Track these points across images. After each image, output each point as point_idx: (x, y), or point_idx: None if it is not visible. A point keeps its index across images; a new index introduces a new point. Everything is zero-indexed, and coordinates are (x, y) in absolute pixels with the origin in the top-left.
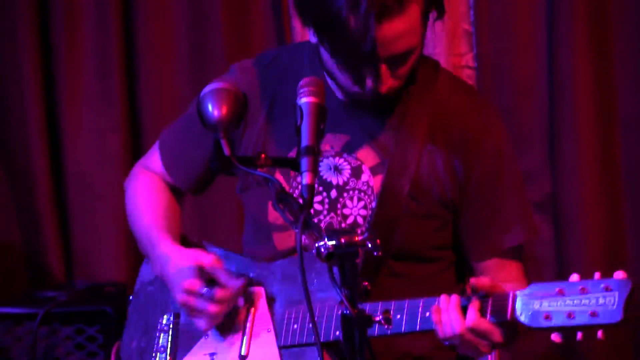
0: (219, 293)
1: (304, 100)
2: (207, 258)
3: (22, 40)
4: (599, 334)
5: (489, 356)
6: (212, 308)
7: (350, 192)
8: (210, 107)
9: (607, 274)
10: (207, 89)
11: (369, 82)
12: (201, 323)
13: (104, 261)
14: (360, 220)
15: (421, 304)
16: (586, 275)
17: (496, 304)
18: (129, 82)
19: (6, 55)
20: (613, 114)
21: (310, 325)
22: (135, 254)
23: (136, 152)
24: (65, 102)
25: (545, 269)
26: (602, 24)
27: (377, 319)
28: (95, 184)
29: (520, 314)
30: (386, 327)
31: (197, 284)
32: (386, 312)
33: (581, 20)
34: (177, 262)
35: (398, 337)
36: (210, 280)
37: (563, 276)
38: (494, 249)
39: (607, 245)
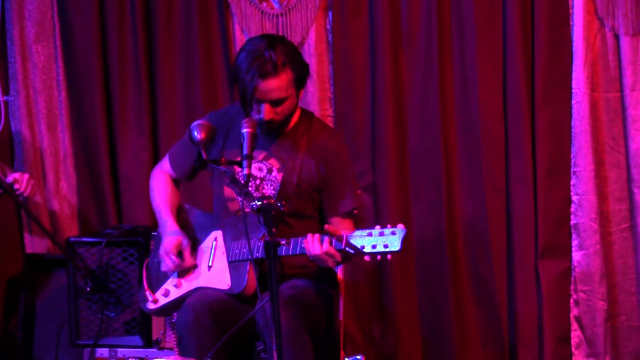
0: (178, 263)
1: (245, 130)
2: (184, 242)
3: (97, 101)
4: (389, 257)
5: (339, 268)
6: (172, 266)
7: (266, 181)
8: (195, 133)
9: (400, 223)
10: (194, 123)
11: (260, 114)
12: (164, 267)
13: (138, 215)
14: (274, 196)
15: (299, 239)
16: (386, 224)
17: (337, 240)
18: (153, 122)
19: (88, 109)
20: (405, 143)
21: (244, 250)
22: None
23: (155, 161)
24: (119, 131)
25: (369, 222)
26: (400, 98)
27: (283, 242)
28: (133, 176)
29: (348, 245)
30: (287, 247)
31: (172, 251)
32: (287, 240)
33: (389, 101)
34: (167, 235)
35: (294, 257)
36: (179, 252)
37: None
38: (336, 211)
39: (400, 208)
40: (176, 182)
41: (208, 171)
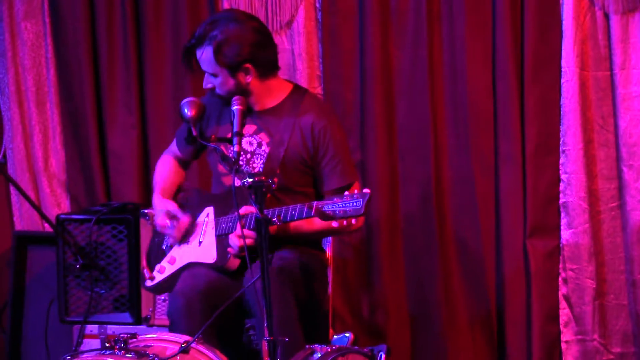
0: (175, 221)
1: (235, 107)
2: (172, 206)
3: (86, 79)
4: (353, 221)
5: (327, 245)
6: (175, 232)
7: (256, 155)
8: (185, 110)
9: (388, 196)
10: (184, 100)
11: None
12: (170, 239)
13: (126, 192)
14: (261, 170)
15: (289, 208)
16: (373, 200)
17: (278, 218)
18: (141, 100)
19: (77, 86)
20: (393, 122)
21: (231, 224)
22: (143, 190)
23: (144, 139)
24: (108, 109)
25: None
26: (389, 77)
27: (274, 219)
28: (122, 153)
29: (318, 212)
30: (279, 222)
31: (169, 216)
32: (278, 215)
33: (377, 80)
34: (157, 205)
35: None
36: (172, 217)
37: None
38: (323, 189)
39: (388, 186)
40: (184, 163)
41: (206, 149)
